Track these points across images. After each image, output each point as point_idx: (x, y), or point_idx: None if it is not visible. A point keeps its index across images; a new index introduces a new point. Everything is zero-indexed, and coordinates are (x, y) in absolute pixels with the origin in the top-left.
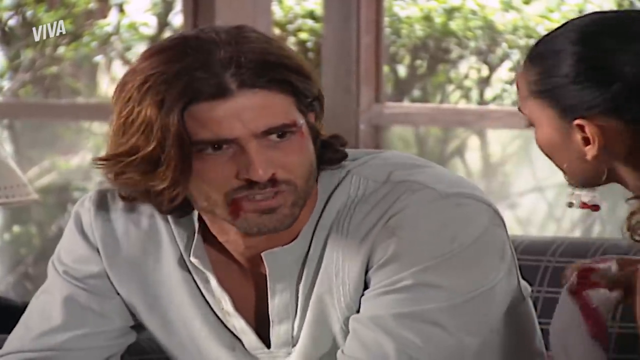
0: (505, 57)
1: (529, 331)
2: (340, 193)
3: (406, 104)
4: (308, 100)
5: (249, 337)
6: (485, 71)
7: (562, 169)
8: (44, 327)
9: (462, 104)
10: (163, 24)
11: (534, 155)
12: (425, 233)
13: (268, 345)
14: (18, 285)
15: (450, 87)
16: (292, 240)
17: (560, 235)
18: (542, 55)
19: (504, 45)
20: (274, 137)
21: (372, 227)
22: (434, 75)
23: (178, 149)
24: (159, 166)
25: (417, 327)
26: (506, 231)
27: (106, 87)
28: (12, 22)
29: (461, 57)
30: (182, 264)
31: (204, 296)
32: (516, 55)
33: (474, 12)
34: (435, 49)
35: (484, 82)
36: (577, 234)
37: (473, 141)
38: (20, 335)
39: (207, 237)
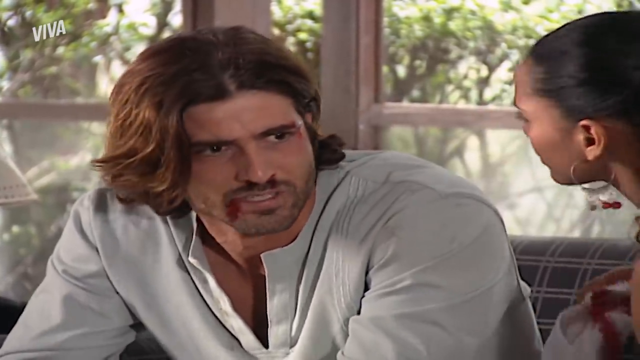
0: (504, 57)
1: (527, 331)
2: (339, 194)
3: (405, 104)
4: (306, 101)
5: (247, 337)
6: (484, 71)
7: (549, 166)
8: (44, 327)
9: (462, 104)
10: (162, 24)
11: (533, 156)
12: (424, 233)
13: (266, 346)
14: (17, 285)
15: (449, 88)
16: (291, 241)
17: (560, 236)
18: (548, 54)
19: (503, 45)
20: (272, 138)
21: (372, 227)
22: (433, 75)
23: (177, 150)
24: (157, 168)
25: (417, 327)
26: (505, 231)
27: (105, 87)
28: (11, 22)
29: (460, 57)
30: (181, 264)
31: (202, 296)
32: (515, 56)
33: (473, 13)
34: (435, 49)
35: (483, 82)
36: (576, 234)
37: (472, 141)
38: (19, 335)
39: (206, 237)
